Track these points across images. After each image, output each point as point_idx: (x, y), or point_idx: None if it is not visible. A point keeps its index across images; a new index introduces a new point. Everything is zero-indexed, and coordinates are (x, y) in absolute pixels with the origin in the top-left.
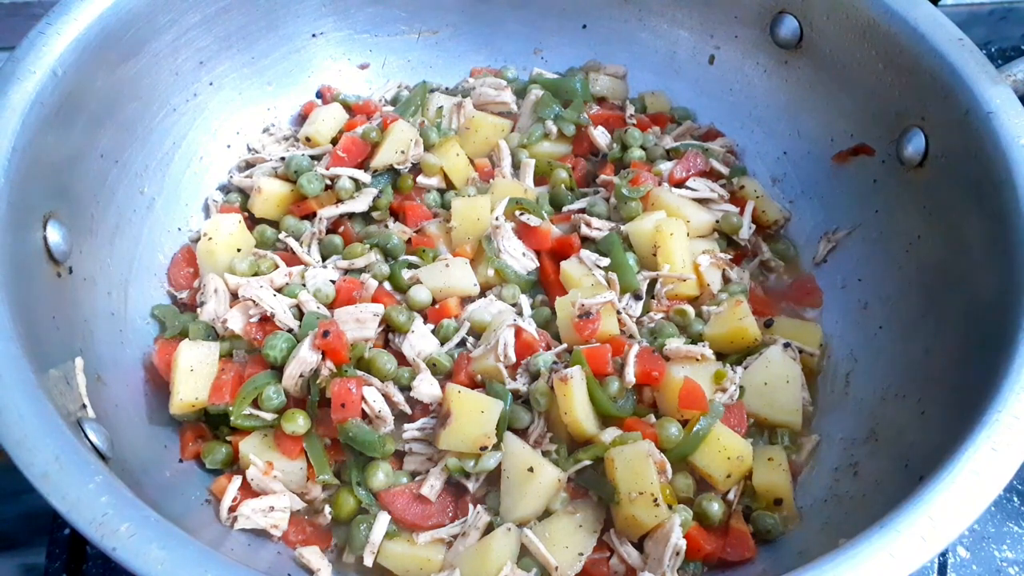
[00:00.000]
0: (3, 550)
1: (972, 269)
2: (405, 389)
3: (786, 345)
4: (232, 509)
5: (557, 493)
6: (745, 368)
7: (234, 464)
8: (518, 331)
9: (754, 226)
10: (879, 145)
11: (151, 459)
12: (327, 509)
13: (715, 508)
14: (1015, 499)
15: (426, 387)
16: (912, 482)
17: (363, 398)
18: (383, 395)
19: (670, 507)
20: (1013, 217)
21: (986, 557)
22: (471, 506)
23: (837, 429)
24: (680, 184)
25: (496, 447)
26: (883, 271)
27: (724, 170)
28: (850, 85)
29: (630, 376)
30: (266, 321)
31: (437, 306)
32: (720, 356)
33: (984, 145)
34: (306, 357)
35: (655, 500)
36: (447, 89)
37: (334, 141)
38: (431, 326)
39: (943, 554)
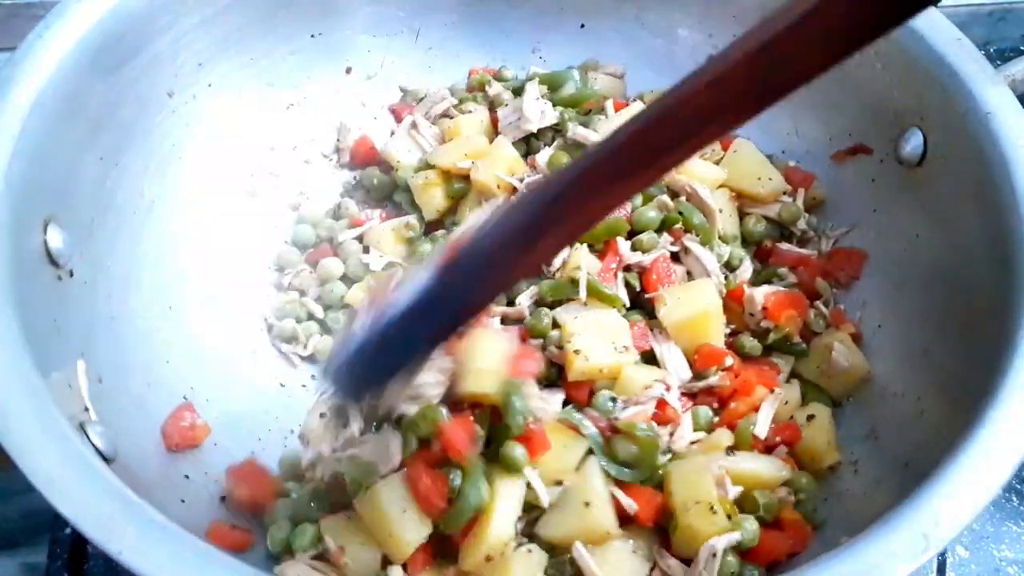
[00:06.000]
0: (4, 549)
1: (972, 269)
2: None
3: None
4: None
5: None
6: None
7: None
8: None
9: None
10: (877, 145)
11: (154, 461)
12: None
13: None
14: (1015, 499)
15: None
16: (912, 482)
17: None
18: None
19: (729, 517)
20: (1013, 217)
21: (985, 557)
22: None
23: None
24: None
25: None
26: (882, 271)
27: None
28: (849, 84)
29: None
30: None
31: None
32: None
33: (983, 145)
34: None
35: (712, 508)
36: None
37: None
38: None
39: (943, 554)
